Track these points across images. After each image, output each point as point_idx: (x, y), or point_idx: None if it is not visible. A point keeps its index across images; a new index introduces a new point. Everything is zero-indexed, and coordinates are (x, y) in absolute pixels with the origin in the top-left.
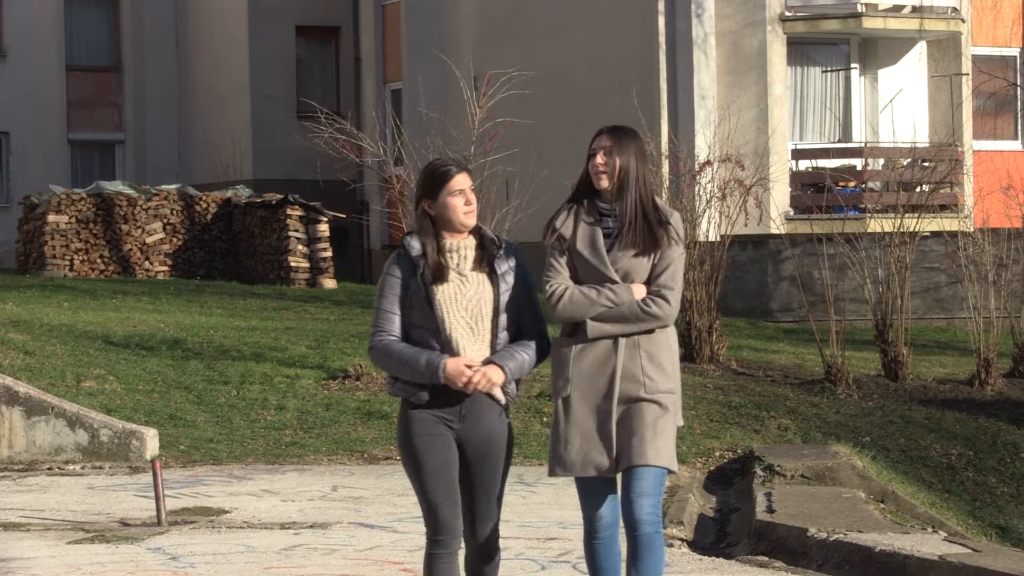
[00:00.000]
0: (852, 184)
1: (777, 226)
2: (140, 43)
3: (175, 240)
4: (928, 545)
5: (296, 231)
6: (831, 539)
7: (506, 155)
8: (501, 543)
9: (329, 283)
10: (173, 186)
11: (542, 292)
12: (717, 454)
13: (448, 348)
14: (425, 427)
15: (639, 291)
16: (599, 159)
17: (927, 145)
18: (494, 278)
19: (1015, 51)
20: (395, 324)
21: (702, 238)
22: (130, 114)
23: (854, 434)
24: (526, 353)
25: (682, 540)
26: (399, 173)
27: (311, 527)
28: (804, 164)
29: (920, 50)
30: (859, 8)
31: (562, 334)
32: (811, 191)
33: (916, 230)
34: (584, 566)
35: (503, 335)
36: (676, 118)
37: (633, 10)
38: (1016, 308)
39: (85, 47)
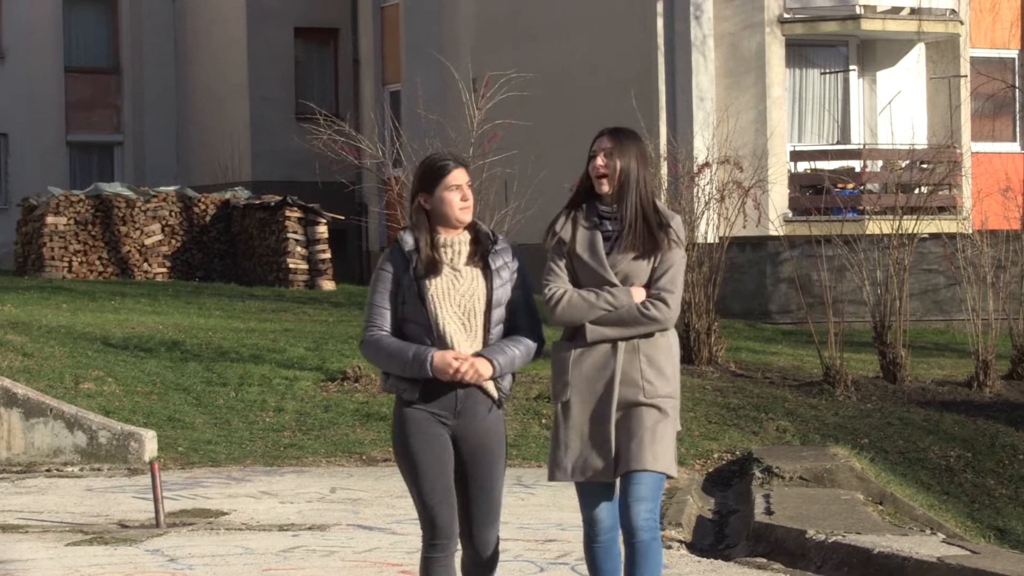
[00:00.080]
0: (851, 186)
1: (776, 228)
2: (139, 45)
3: (174, 242)
4: (926, 547)
5: (295, 233)
6: (829, 541)
7: (505, 157)
8: (500, 545)
9: (328, 285)
10: (172, 188)
11: (540, 295)
12: (716, 456)
13: (441, 344)
14: (420, 426)
15: (638, 294)
16: (600, 161)
17: (926, 147)
18: (488, 273)
19: (1013, 53)
20: (386, 319)
21: (701, 240)
22: (129, 116)
23: (853, 436)
24: (517, 348)
25: (680, 542)
26: (398, 175)
27: (310, 529)
28: (803, 166)
29: (919, 52)
30: (858, 10)
31: (563, 338)
32: (810, 193)
33: (915, 232)
34: (582, 568)
35: (496, 330)
36: (675, 120)
37: (632, 12)
38: (1014, 310)
39: (84, 49)
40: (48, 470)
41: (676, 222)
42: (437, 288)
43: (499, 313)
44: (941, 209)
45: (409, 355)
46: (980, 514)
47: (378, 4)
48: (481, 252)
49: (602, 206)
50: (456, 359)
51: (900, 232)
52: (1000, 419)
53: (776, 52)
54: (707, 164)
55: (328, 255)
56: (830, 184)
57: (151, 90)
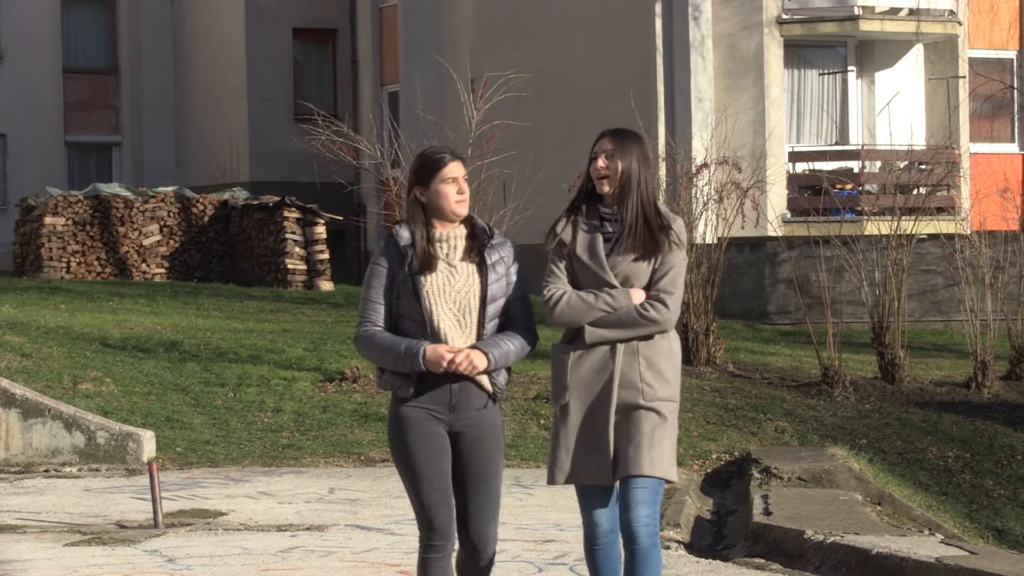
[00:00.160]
0: (849, 186)
1: (774, 228)
2: (137, 45)
3: (172, 242)
4: (925, 547)
5: (293, 233)
6: (828, 541)
7: (503, 157)
8: (498, 545)
9: (326, 285)
10: (170, 188)
11: (538, 296)
12: (714, 456)
13: (435, 340)
14: (417, 425)
15: (638, 296)
16: (601, 163)
17: (924, 148)
18: (483, 268)
19: (1012, 54)
20: (380, 314)
21: (699, 241)
22: (127, 116)
23: (851, 436)
24: (512, 343)
25: (679, 542)
26: (396, 175)
27: (308, 529)
28: (801, 166)
29: (917, 53)
30: (856, 11)
31: (562, 341)
32: (808, 193)
33: (913, 232)
34: (581, 568)
35: (490, 326)
36: (673, 120)
37: (630, 13)
38: (1012, 311)
39: (82, 49)
40: (46, 470)
41: (678, 224)
42: (432, 284)
43: (494, 308)
44: (939, 210)
45: (401, 349)
46: (978, 514)
47: (376, 5)
48: (477, 247)
49: (603, 208)
50: (449, 351)
51: (898, 233)
52: (998, 420)
53: (774, 53)
54: (705, 165)
55: (326, 255)
56: (828, 185)
57: (150, 91)
